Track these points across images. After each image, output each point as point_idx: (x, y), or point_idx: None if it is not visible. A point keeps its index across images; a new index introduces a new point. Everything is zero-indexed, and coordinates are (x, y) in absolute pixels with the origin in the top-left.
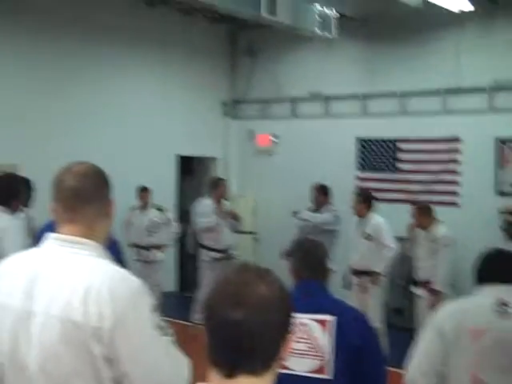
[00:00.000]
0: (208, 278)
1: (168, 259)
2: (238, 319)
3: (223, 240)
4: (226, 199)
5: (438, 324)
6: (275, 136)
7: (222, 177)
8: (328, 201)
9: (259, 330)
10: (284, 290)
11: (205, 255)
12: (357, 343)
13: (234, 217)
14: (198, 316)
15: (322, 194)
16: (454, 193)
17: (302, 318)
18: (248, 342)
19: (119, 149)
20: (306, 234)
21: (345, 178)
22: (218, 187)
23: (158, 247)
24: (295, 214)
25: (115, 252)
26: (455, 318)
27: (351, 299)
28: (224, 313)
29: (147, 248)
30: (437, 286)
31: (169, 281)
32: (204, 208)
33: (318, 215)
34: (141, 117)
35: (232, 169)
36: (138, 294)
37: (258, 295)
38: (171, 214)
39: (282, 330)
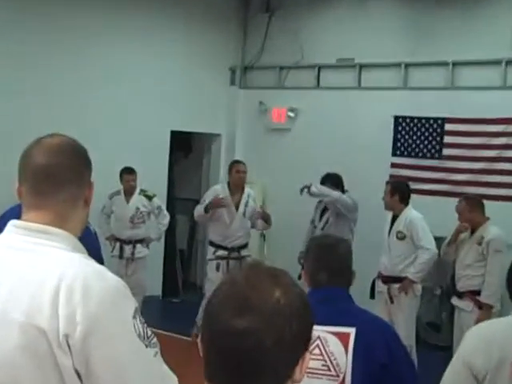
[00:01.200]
0: (212, 282)
1: (152, 256)
2: (244, 329)
3: (232, 236)
4: (239, 187)
5: (466, 355)
6: (292, 110)
7: (237, 159)
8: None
9: (269, 344)
10: (303, 296)
11: (210, 253)
12: (382, 361)
13: (264, 217)
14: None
15: (336, 186)
16: (510, 185)
17: (316, 331)
18: (254, 359)
19: (102, 123)
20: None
21: (377, 165)
22: (230, 171)
23: (142, 241)
24: (305, 189)
25: (90, 244)
26: (489, 350)
27: (377, 311)
28: (226, 320)
29: (130, 242)
30: (484, 299)
31: (153, 282)
32: (207, 195)
33: (334, 191)
34: (129, 85)
35: (238, 149)
36: (116, 294)
37: (270, 300)
38: (161, 202)
39: (297, 345)
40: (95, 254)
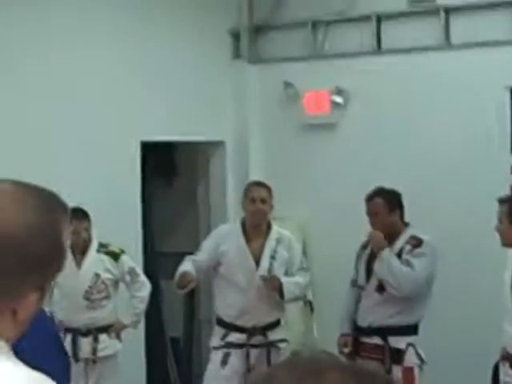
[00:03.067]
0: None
1: (128, 354)
2: None
3: (253, 309)
4: (260, 226)
5: None
6: (340, 93)
7: (255, 179)
8: (404, 222)
9: None
10: None
11: (216, 337)
12: None
13: (276, 289)
14: None
15: (390, 210)
16: None
17: None
18: None
19: (30, 143)
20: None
21: (484, 171)
22: (245, 199)
23: (108, 330)
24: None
25: (48, 334)
26: None
27: None
28: None
29: (89, 333)
30: None
31: None
32: (206, 242)
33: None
34: (74, 74)
35: (254, 164)
36: None
37: None
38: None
39: None
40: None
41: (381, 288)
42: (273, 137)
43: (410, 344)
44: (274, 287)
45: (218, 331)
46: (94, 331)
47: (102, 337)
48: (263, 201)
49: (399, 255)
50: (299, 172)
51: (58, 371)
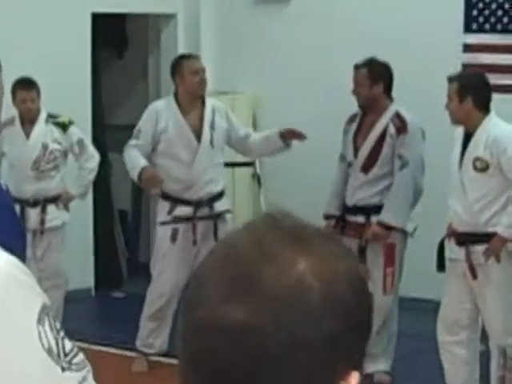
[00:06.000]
0: (162, 259)
1: (76, 225)
2: (243, 322)
3: (197, 181)
4: (197, 98)
5: None
6: None
7: (187, 52)
8: (389, 97)
9: (280, 350)
10: (351, 273)
11: (163, 212)
12: None
13: (292, 135)
14: (144, 341)
15: (374, 82)
16: None
17: None
18: (255, 371)
19: None
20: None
21: (438, 49)
22: (176, 74)
23: (57, 201)
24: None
25: (4, 206)
26: None
27: (451, 290)
28: (217, 307)
29: (37, 203)
30: None
31: (79, 268)
32: (142, 121)
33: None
34: None
35: (206, 37)
36: (9, 286)
37: (288, 279)
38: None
39: (331, 356)
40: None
41: (366, 168)
42: (225, 10)
43: None
44: (296, 136)
45: (164, 205)
46: (42, 202)
47: (50, 208)
48: (204, 71)
49: (383, 134)
50: (251, 47)
51: (16, 243)
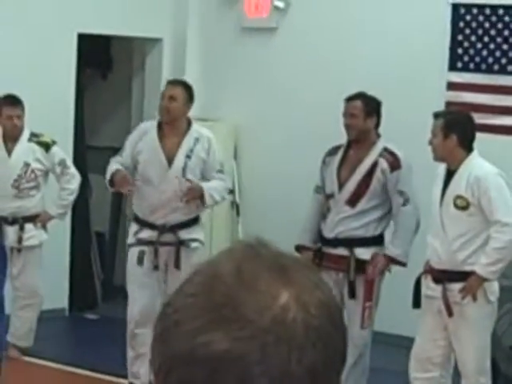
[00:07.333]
0: (134, 284)
1: (53, 245)
2: (224, 352)
3: (163, 207)
4: (172, 124)
5: None
6: None
7: (173, 78)
8: (377, 133)
9: (273, 381)
10: (329, 303)
11: (130, 234)
12: None
13: (198, 197)
14: (129, 370)
15: (368, 115)
16: None
17: None
18: None
19: None
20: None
21: (422, 87)
22: (162, 97)
23: (35, 220)
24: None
25: None
26: None
27: (425, 327)
28: (196, 337)
29: (15, 222)
30: None
31: (54, 288)
32: (129, 140)
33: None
34: None
35: (191, 63)
36: None
37: (271, 309)
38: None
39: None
40: None
41: (352, 201)
42: (211, 37)
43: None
44: (195, 196)
45: (133, 227)
46: (21, 220)
47: (28, 226)
48: (172, 98)
49: (373, 168)
50: (236, 75)
51: None
